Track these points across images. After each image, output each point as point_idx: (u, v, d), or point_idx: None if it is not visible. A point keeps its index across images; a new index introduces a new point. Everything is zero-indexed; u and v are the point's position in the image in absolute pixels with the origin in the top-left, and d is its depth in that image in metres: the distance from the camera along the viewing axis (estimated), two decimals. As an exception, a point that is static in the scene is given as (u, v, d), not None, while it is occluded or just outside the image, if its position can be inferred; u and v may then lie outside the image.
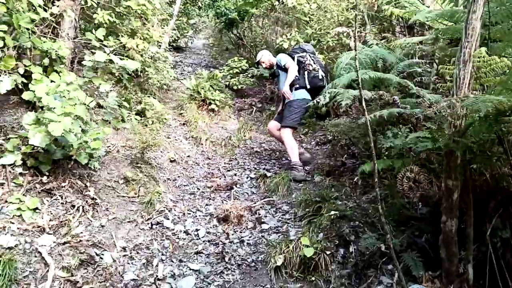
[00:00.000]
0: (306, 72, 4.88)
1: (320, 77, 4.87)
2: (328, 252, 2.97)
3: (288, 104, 4.93)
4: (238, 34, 9.80)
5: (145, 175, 4.19)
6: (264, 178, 4.73)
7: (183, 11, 10.53)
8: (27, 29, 3.25)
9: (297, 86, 4.87)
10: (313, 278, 2.85)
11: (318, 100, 4.52)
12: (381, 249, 2.80)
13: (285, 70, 4.92)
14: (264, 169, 5.11)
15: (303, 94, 4.87)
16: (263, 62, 5.39)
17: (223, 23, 9.43)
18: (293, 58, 4.98)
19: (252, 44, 9.46)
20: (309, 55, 5.00)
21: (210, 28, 12.52)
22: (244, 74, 7.93)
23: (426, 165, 2.80)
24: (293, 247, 3.03)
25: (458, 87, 2.28)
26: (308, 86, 4.87)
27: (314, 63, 4.93)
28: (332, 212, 3.40)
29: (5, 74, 3.02)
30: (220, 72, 7.68)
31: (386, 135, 3.23)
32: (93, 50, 3.71)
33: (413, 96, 3.85)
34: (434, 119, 2.87)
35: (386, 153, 3.37)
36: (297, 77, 4.86)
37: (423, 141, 2.55)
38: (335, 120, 5.27)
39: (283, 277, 2.91)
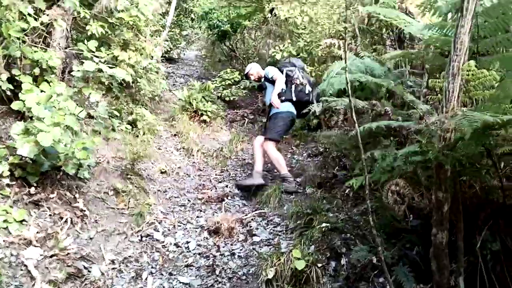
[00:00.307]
0: (293, 86, 4.92)
1: (307, 91, 4.93)
2: (319, 265, 2.95)
3: (273, 116, 4.94)
4: (230, 46, 9.87)
5: (135, 186, 4.15)
6: (256, 190, 4.71)
7: (176, 22, 10.60)
8: (18, 38, 3.23)
9: (283, 98, 4.89)
10: (305, 292, 2.83)
11: (310, 109, 4.56)
12: (372, 262, 2.79)
13: (273, 82, 4.96)
14: (255, 180, 5.08)
15: (288, 106, 4.92)
16: (252, 75, 5.43)
17: (215, 35, 9.50)
18: (282, 72, 5.01)
19: (244, 56, 9.54)
20: (298, 70, 5.05)
21: (203, 40, 12.58)
22: (237, 86, 7.97)
23: (413, 178, 2.81)
24: (284, 259, 3.00)
25: (448, 100, 2.30)
26: (294, 99, 4.91)
27: (302, 78, 4.98)
28: (324, 224, 3.39)
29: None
30: (212, 84, 7.71)
31: (373, 155, 3.23)
32: (83, 60, 3.69)
33: (404, 108, 3.89)
34: (424, 132, 2.90)
35: (377, 165, 3.38)
36: (283, 90, 4.89)
37: (413, 156, 2.56)
38: (327, 132, 5.31)
39: (275, 290, 2.88)
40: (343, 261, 3.01)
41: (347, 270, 2.94)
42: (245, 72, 5.54)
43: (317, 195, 4.31)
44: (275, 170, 5.06)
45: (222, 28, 9.03)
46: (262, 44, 9.62)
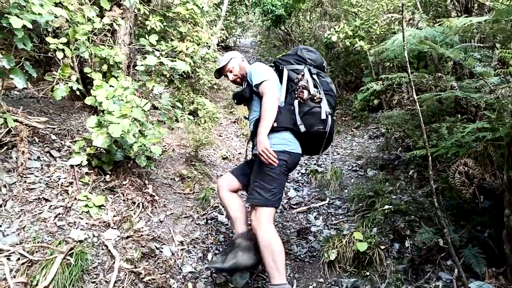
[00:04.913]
0: (296, 102, 2.59)
1: (324, 116, 2.55)
2: (382, 247, 2.91)
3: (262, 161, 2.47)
4: (285, 30, 9.83)
5: (200, 172, 4.34)
6: (315, 174, 4.71)
7: (230, 10, 10.73)
8: (88, 39, 3.49)
9: (276, 125, 2.53)
10: (368, 273, 2.81)
11: (370, 86, 4.36)
12: (439, 244, 2.70)
13: (260, 96, 2.62)
14: (315, 164, 5.09)
15: (286, 140, 2.58)
16: (231, 71, 2.94)
17: (270, 20, 9.49)
18: (281, 71, 2.77)
19: (300, 39, 9.44)
20: (310, 70, 2.72)
21: (258, 26, 12.62)
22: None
23: (484, 157, 2.65)
24: (346, 241, 3.00)
25: (520, 72, 2.14)
26: (298, 129, 2.57)
27: (316, 87, 2.64)
28: (386, 207, 3.32)
29: (62, 82, 3.26)
30: (268, 69, 7.74)
31: (440, 130, 3.08)
32: (146, 55, 3.91)
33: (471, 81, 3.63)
34: (494, 106, 2.71)
35: (443, 144, 3.23)
36: (278, 109, 2.54)
37: (482, 133, 2.42)
38: (388, 112, 5.13)
39: (337, 272, 2.90)
40: (407, 243, 2.94)
41: (412, 252, 2.87)
42: (220, 66, 2.99)
43: (379, 177, 4.21)
44: (338, 153, 4.88)
45: (276, 13, 9.00)
46: (317, 26, 9.45)
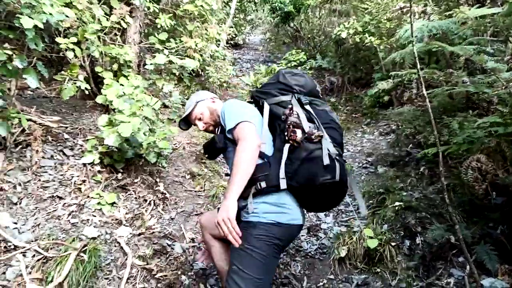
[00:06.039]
0: (286, 147, 1.84)
1: (327, 160, 1.76)
2: (393, 244, 2.90)
3: (246, 226, 1.81)
4: (294, 27, 9.80)
5: (210, 170, 4.37)
6: (326, 170, 4.69)
7: (239, 8, 10.73)
8: (98, 38, 3.53)
9: (264, 186, 1.81)
10: (378, 270, 2.81)
11: (381, 84, 4.32)
12: (450, 241, 2.68)
13: (234, 142, 1.88)
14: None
15: (281, 208, 1.84)
16: (200, 118, 2.21)
17: (279, 17, 9.48)
18: (261, 107, 2.01)
19: (309, 36, 9.40)
20: (300, 99, 1.98)
21: (267, 23, 12.62)
22: (302, 67, 7.92)
23: (497, 153, 2.62)
24: (356, 238, 3.00)
25: (533, 66, 2.11)
26: (295, 183, 1.80)
27: (312, 121, 1.90)
28: (397, 203, 3.31)
29: (70, 81, 3.29)
30: (277, 66, 7.73)
31: (451, 125, 3.05)
32: (154, 54, 3.94)
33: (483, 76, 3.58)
34: (507, 101, 2.68)
35: (454, 140, 3.20)
36: (265, 159, 1.86)
37: (494, 127, 2.40)
38: (399, 108, 5.09)
39: (347, 268, 2.90)
40: (418, 240, 2.93)
41: (423, 249, 2.86)
42: (185, 114, 2.25)
43: (389, 174, 4.19)
44: (347, 150, 4.85)
45: (285, 10, 8.98)
46: (327, 23, 9.40)
